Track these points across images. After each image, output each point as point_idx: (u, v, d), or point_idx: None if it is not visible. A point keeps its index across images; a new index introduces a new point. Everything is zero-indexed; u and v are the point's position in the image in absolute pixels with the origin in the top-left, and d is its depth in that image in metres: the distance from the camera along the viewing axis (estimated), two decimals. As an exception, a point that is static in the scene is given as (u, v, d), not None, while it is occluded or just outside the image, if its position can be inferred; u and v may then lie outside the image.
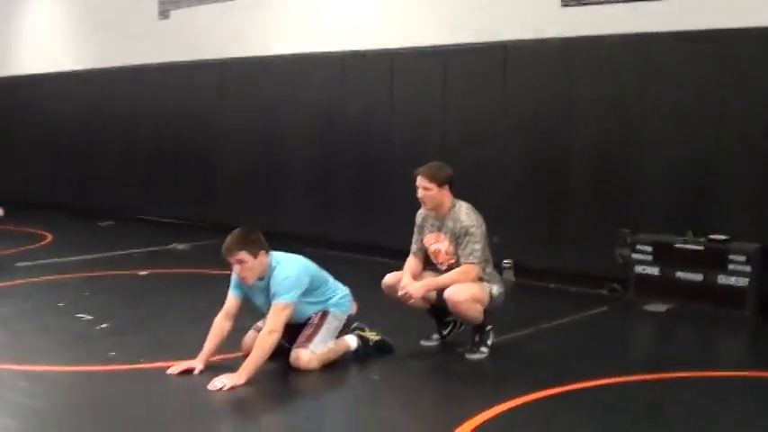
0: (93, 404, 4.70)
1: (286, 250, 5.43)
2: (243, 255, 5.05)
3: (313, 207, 10.35)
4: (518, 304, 7.08)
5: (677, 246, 7.19)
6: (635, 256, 7.39)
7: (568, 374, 5.18)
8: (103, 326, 6.22)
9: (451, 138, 8.92)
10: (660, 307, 7.07)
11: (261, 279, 5.17)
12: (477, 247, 5.50)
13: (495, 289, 5.64)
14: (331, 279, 5.50)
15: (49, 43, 14.39)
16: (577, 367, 5.41)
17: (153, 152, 12.53)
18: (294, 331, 5.29)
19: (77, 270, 8.54)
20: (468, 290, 5.44)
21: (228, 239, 5.11)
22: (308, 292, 5.23)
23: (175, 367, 5.14)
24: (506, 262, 8.16)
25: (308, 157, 10.40)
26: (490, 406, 4.61)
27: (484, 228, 5.59)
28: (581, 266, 7.94)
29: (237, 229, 5.17)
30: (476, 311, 5.50)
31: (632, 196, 7.77)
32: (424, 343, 5.91)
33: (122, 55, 12.70)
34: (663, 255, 7.25)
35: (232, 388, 4.83)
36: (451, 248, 5.60)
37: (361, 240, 9.60)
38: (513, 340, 6.04)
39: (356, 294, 5.59)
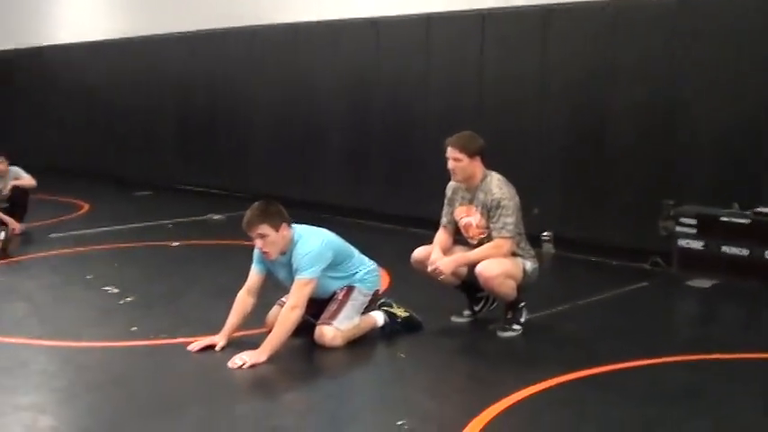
0: (110, 381, 4.58)
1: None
2: (264, 228, 4.89)
3: (347, 176, 10.19)
4: (556, 278, 6.87)
5: (723, 218, 6.89)
6: (678, 228, 7.10)
7: (604, 355, 4.96)
8: (128, 299, 6.14)
9: (488, 103, 8.68)
10: (704, 283, 6.79)
11: (283, 254, 5.01)
12: (510, 220, 5.28)
13: (529, 264, 5.42)
14: (356, 253, 5.32)
15: (82, 13, 14.36)
16: (614, 347, 5.18)
17: (190, 121, 12.49)
18: (319, 306, 5.14)
19: (110, 241, 8.50)
20: (500, 265, 5.23)
21: (248, 213, 4.94)
22: (331, 266, 5.07)
23: (196, 343, 5.02)
24: (546, 234, 7.91)
25: (343, 125, 10.23)
26: (521, 387, 4.42)
27: (517, 200, 5.36)
28: (623, 239, 7.69)
29: (257, 203, 5.01)
30: (508, 287, 5.29)
31: (676, 166, 7.47)
32: (454, 319, 5.71)
33: (155, 23, 12.61)
34: (707, 228, 6.95)
35: (253, 365, 4.70)
36: (483, 222, 5.38)
37: (395, 211, 9.41)
38: (548, 317, 5.81)
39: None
